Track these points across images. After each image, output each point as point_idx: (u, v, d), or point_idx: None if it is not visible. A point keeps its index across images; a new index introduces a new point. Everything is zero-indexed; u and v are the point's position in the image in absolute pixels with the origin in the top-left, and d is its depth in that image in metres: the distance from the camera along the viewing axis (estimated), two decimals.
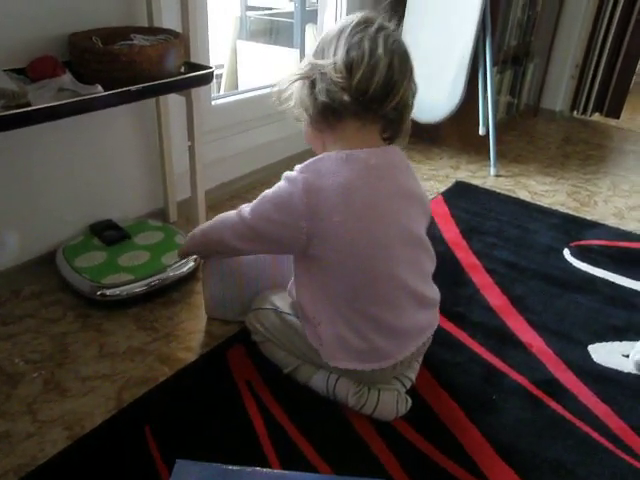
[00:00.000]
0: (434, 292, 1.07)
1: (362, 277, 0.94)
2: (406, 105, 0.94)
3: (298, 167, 0.94)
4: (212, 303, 1.26)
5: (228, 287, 1.23)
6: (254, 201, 0.99)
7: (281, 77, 0.98)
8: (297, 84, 0.95)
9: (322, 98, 0.90)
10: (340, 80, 0.88)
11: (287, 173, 0.95)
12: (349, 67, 0.88)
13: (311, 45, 0.96)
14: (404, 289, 0.97)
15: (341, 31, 0.91)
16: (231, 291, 1.23)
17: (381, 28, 0.91)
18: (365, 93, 0.88)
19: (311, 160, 0.93)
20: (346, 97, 0.88)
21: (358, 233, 0.91)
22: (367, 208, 0.92)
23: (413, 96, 0.95)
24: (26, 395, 1.05)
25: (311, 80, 0.92)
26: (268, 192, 0.96)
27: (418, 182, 1.03)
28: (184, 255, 1.28)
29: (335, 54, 0.89)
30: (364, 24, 0.91)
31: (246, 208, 1.01)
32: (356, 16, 0.93)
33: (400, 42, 0.92)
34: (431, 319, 1.07)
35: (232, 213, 1.04)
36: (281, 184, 0.95)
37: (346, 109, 0.90)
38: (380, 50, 0.88)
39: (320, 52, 0.93)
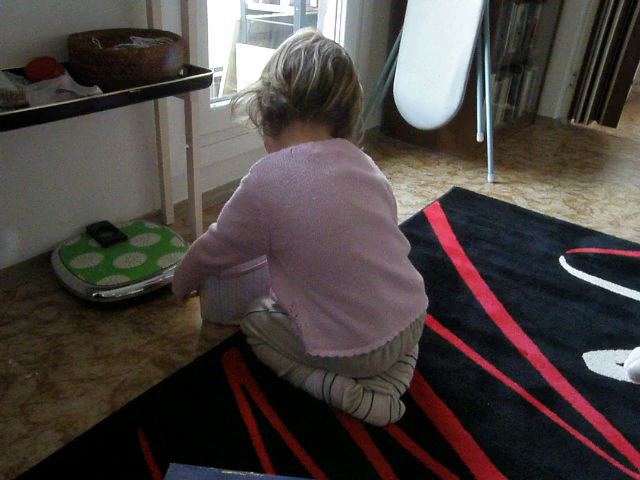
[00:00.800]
0: (412, 274, 1.07)
1: (323, 258, 0.96)
2: (349, 106, 1.01)
3: (251, 167, 1.01)
4: (210, 308, 1.26)
5: (226, 292, 1.24)
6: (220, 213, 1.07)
7: (236, 93, 1.07)
8: (248, 98, 1.04)
9: (265, 104, 1.01)
10: (280, 87, 0.98)
11: (243, 177, 1.01)
12: (287, 74, 0.98)
13: None
14: (370, 268, 0.98)
15: (284, 46, 1.01)
16: (228, 296, 1.24)
17: (318, 39, 1.00)
18: (303, 96, 0.97)
19: (260, 160, 1.00)
20: (284, 99, 0.98)
21: (310, 217, 0.95)
22: (313, 192, 0.96)
23: (356, 98, 1.01)
24: (19, 396, 1.05)
25: (258, 92, 1.02)
26: (227, 203, 1.04)
27: (373, 169, 1.07)
28: (178, 297, 1.27)
29: (277, 66, 0.99)
30: (303, 38, 1.01)
31: (213, 224, 1.08)
32: (299, 32, 1.03)
33: (336, 49, 1.00)
34: (413, 302, 1.05)
35: (201, 236, 1.12)
36: (237, 189, 1.01)
37: (289, 112, 0.99)
38: (314, 57, 0.97)
39: (267, 67, 1.03)
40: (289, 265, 1.00)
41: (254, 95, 1.04)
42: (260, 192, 0.97)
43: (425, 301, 1.09)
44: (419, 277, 1.09)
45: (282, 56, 1.00)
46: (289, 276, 1.01)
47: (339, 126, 1.03)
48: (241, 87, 1.11)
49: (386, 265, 1.00)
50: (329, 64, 0.97)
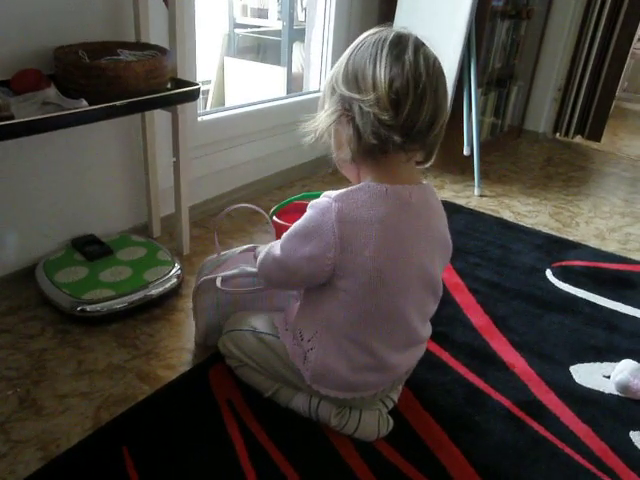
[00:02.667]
0: (428, 331, 1.06)
1: (374, 312, 0.91)
2: (444, 127, 0.87)
3: (330, 194, 0.87)
4: (208, 332, 1.21)
5: (225, 316, 1.19)
6: (283, 236, 0.94)
7: (316, 117, 0.90)
8: (330, 119, 0.87)
9: (370, 140, 0.82)
10: (386, 118, 0.80)
11: (316, 201, 0.88)
12: (395, 102, 0.80)
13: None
14: (406, 329, 0.96)
15: (375, 56, 0.82)
16: (227, 319, 1.19)
17: (418, 46, 0.83)
18: (413, 128, 0.82)
19: (347, 189, 0.87)
20: (397, 137, 0.81)
21: (384, 270, 0.88)
22: (399, 246, 0.88)
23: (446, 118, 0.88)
24: None
25: (350, 116, 0.84)
26: (296, 225, 0.91)
27: (446, 224, 0.99)
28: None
29: (375, 86, 0.81)
30: (399, 44, 0.82)
31: (276, 247, 0.95)
32: (386, 35, 0.84)
33: (438, 59, 0.85)
34: (419, 354, 1.06)
35: (264, 253, 1.00)
36: (309, 214, 0.89)
37: (393, 145, 0.83)
38: (424, 77, 0.81)
39: (353, 81, 0.84)
40: (332, 302, 0.93)
41: (344, 121, 0.86)
42: (342, 229, 0.85)
43: (425, 347, 1.08)
44: (430, 331, 1.06)
45: (381, 72, 0.81)
46: (325, 311, 0.94)
47: (431, 150, 0.89)
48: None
49: (417, 327, 0.98)
50: (440, 85, 0.83)
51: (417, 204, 0.89)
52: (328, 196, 0.87)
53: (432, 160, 0.91)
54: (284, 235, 0.94)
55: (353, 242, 0.85)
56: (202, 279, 1.19)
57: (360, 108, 0.82)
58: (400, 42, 0.82)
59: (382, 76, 0.80)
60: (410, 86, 0.80)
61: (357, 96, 0.82)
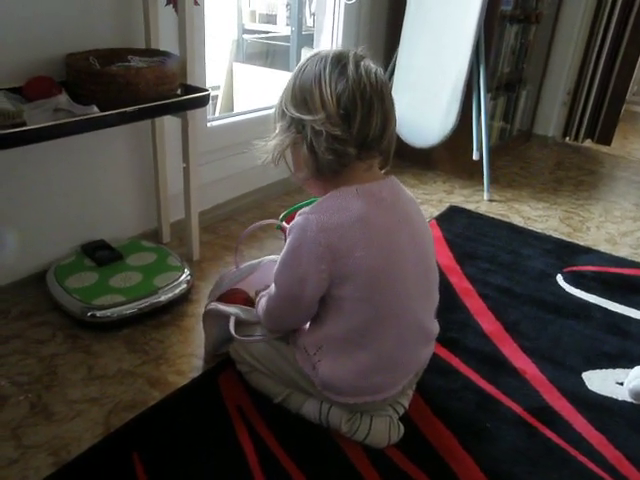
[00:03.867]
0: (436, 326, 1.06)
1: (378, 312, 0.91)
2: (395, 132, 0.91)
3: (304, 211, 0.89)
4: (218, 343, 1.20)
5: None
6: (274, 272, 0.95)
7: (266, 142, 0.93)
8: (283, 141, 0.90)
9: (327, 157, 0.85)
10: (339, 133, 0.83)
11: (293, 223, 0.90)
12: (345, 117, 0.83)
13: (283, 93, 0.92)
14: (414, 324, 0.96)
15: (320, 75, 0.85)
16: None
17: (358, 61, 0.87)
18: (366, 138, 0.85)
19: (318, 201, 0.90)
20: (351, 149, 0.85)
21: (379, 266, 0.88)
22: (386, 240, 0.89)
23: (395, 123, 0.91)
24: (11, 419, 1.03)
25: (302, 137, 0.87)
26: (282, 254, 0.92)
27: (422, 213, 1.01)
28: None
29: (323, 104, 0.84)
30: (339, 61, 0.86)
31: (271, 289, 0.97)
32: (326, 55, 0.87)
33: (380, 69, 0.89)
34: (430, 352, 1.06)
35: (263, 306, 1.01)
36: (291, 237, 0.89)
37: (349, 157, 0.86)
38: (369, 88, 0.84)
39: (302, 103, 0.87)
40: (335, 312, 0.93)
41: (299, 142, 0.88)
42: (326, 237, 0.85)
43: (434, 346, 1.08)
44: (437, 328, 1.06)
45: (327, 91, 0.84)
46: (327, 326, 0.94)
47: (387, 156, 0.94)
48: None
49: (426, 321, 0.98)
50: (385, 93, 0.86)
51: (389, 197, 0.91)
52: (302, 213, 0.89)
53: (390, 163, 0.95)
54: (274, 272, 0.94)
55: (341, 247, 0.86)
56: (212, 307, 1.15)
57: (312, 128, 0.85)
58: (340, 59, 0.86)
59: (329, 94, 0.83)
60: (357, 99, 0.83)
61: (308, 117, 0.85)
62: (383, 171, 0.96)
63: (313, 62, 0.88)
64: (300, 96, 0.87)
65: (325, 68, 0.85)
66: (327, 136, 0.83)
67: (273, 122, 0.94)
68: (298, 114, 0.87)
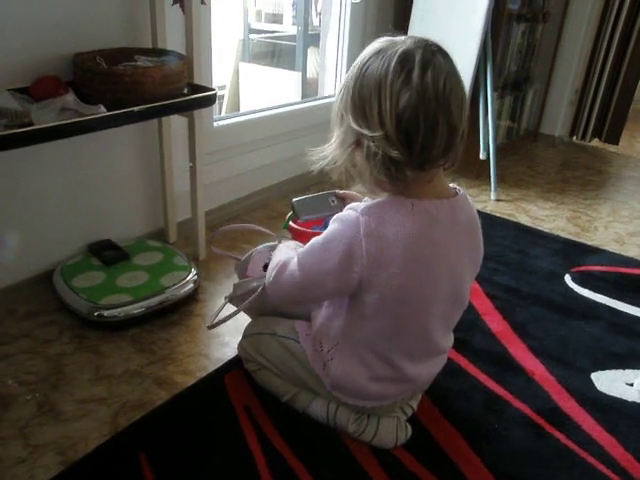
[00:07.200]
0: (450, 341, 1.04)
1: (397, 326, 0.90)
2: (464, 138, 0.83)
3: (357, 207, 0.84)
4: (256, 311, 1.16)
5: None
6: (301, 251, 0.91)
7: (325, 149, 0.88)
8: (345, 152, 0.85)
9: (380, 177, 0.81)
10: (396, 155, 0.77)
11: (341, 214, 0.86)
12: (405, 138, 0.77)
13: (339, 88, 0.83)
14: (428, 342, 0.95)
15: (379, 85, 0.77)
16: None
17: (426, 63, 0.76)
18: (428, 158, 0.79)
19: (373, 203, 0.85)
20: (409, 172, 0.79)
21: (409, 287, 0.86)
22: (425, 265, 0.86)
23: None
24: (18, 418, 1.03)
25: (362, 147, 0.81)
26: (319, 239, 0.88)
27: (480, 236, 0.95)
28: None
29: (382, 122, 0.77)
30: (403, 66, 0.76)
31: (291, 264, 0.91)
32: (392, 53, 0.78)
33: (452, 76, 0.78)
34: (440, 364, 1.05)
35: (275, 270, 0.94)
36: (335, 228, 0.86)
37: (407, 177, 0.80)
38: (433, 104, 0.76)
39: (361, 114, 0.80)
40: (355, 315, 0.91)
41: (357, 151, 0.83)
42: (369, 243, 0.82)
43: (446, 357, 1.07)
44: (452, 341, 1.05)
45: (387, 104, 0.76)
46: (348, 324, 0.93)
47: (454, 162, 0.85)
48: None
49: (440, 339, 0.97)
50: (453, 107, 0.77)
51: (445, 221, 0.86)
52: (354, 209, 0.84)
53: (456, 165, 0.86)
54: (303, 251, 0.91)
55: (379, 257, 0.83)
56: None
57: (369, 145, 0.79)
58: (406, 62, 0.76)
59: (388, 111, 0.76)
60: (420, 118, 0.76)
61: (366, 132, 0.79)
62: (451, 169, 0.87)
63: (377, 60, 0.78)
64: (359, 105, 0.80)
65: (388, 74, 0.76)
66: (383, 157, 0.78)
67: (332, 122, 0.88)
68: (357, 126, 0.80)
